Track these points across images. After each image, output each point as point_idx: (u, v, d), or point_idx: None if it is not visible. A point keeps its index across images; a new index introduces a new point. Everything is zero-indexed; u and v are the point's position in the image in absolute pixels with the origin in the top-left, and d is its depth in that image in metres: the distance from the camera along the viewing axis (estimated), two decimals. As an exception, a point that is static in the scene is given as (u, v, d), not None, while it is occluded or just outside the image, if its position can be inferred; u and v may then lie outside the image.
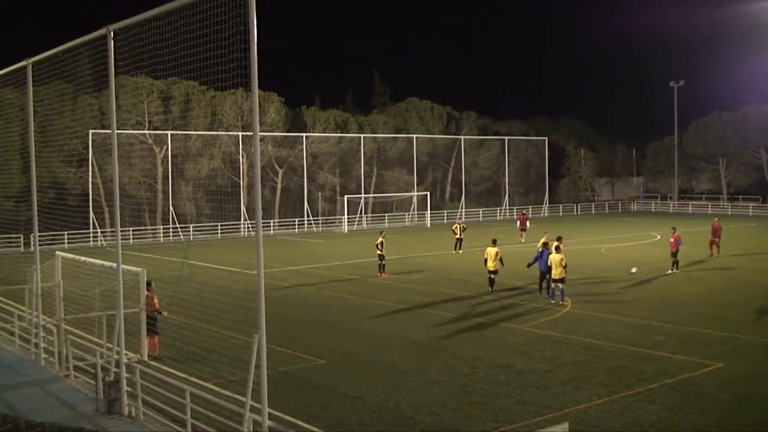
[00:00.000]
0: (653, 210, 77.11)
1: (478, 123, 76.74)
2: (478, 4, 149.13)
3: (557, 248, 24.63)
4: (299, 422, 13.32)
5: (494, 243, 27.74)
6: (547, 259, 25.09)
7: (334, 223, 61.03)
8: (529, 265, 26.56)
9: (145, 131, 54.57)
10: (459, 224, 41.33)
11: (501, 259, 27.20)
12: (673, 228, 32.67)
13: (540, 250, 26.48)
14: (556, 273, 24.20)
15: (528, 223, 46.43)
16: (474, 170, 72.41)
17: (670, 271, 30.79)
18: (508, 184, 72.24)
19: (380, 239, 32.06)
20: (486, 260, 27.31)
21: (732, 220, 55.93)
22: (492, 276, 27.13)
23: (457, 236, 40.28)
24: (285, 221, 60.10)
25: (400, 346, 19.13)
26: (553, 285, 24.50)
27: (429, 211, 62.90)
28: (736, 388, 15.13)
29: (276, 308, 23.15)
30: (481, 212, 68.90)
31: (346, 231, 56.76)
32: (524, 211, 50.77)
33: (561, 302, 23.98)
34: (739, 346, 18.68)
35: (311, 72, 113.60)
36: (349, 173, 65.78)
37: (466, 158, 70.27)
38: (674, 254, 31.17)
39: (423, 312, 23.78)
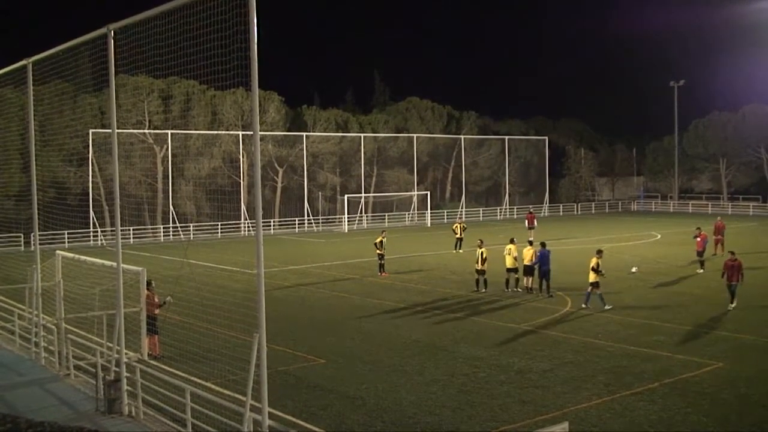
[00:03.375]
0: (653, 210, 77.09)
1: (479, 123, 76.81)
2: (478, 3, 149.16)
3: (598, 252, 23.95)
4: (299, 422, 13.33)
5: (481, 243, 27.91)
6: (547, 258, 25.57)
7: (335, 222, 61.04)
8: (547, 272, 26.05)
9: (146, 130, 54.56)
10: (459, 224, 41.34)
11: (485, 259, 27.23)
12: (698, 228, 32.92)
13: (539, 249, 26.52)
14: (591, 277, 23.30)
15: (535, 221, 46.67)
16: (474, 170, 72.44)
17: (701, 270, 31.09)
18: (509, 184, 72.23)
19: (380, 238, 32.07)
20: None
21: (732, 220, 55.88)
22: (481, 277, 27.29)
23: (458, 236, 40.29)
24: (285, 221, 60.10)
25: (400, 346, 19.13)
26: (589, 289, 23.46)
27: (429, 211, 62.90)
28: (736, 388, 15.13)
29: (276, 308, 23.17)
30: (481, 212, 68.90)
31: (346, 230, 56.76)
32: (531, 210, 51.08)
33: (603, 306, 22.95)
34: (739, 346, 18.68)
35: (311, 71, 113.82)
36: (350, 173, 65.79)
37: (467, 158, 70.29)
38: (701, 254, 31.48)
39: (423, 311, 23.78)
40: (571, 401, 14.45)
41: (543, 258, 25.79)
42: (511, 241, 27.93)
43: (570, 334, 20.05)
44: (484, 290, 26.96)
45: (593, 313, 22.78)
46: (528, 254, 26.63)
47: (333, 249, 43.67)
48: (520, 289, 26.79)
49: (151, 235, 52.72)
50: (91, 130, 49.61)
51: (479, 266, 27.21)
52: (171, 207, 53.76)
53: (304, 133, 61.04)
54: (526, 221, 46.53)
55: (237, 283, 29.53)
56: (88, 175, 50.61)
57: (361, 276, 31.88)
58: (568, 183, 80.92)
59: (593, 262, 23.48)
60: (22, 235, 43.67)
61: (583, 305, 23.40)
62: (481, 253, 27.23)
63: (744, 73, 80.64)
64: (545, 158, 74.38)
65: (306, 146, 60.38)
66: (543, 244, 26.49)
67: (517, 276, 27.09)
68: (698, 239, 31.82)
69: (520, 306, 24.37)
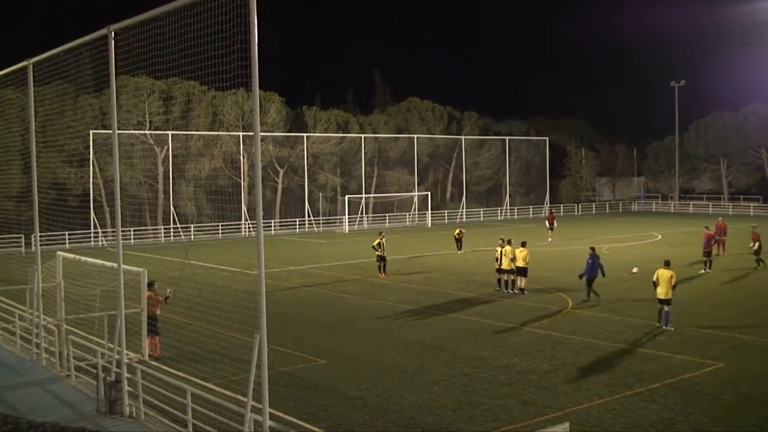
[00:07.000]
0: (654, 210, 77.10)
1: (479, 123, 76.81)
2: (479, 4, 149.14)
3: (667, 263, 21.05)
4: (300, 422, 13.33)
5: (503, 242, 27.71)
6: (594, 264, 24.48)
7: (335, 223, 61.03)
8: (581, 276, 24.99)
9: (146, 131, 54.59)
10: (459, 229, 41.45)
11: (513, 258, 26.93)
12: (706, 227, 32.99)
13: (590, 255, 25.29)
14: (662, 292, 20.57)
15: (555, 222, 47.16)
16: (475, 170, 72.46)
17: (702, 271, 31.15)
18: (509, 184, 72.23)
19: (378, 240, 32.05)
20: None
21: (733, 220, 55.84)
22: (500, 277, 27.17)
23: (457, 237, 40.28)
24: (286, 221, 60.11)
25: (401, 346, 19.12)
26: (660, 306, 20.76)
27: (430, 211, 62.92)
28: (737, 388, 15.13)
29: (277, 308, 23.17)
30: (482, 212, 68.91)
31: (347, 231, 56.76)
32: (552, 210, 51.50)
33: (665, 327, 20.44)
34: (740, 346, 18.68)
35: (312, 72, 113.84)
36: (350, 173, 65.80)
37: (467, 158, 70.32)
38: (707, 254, 31.61)
39: (424, 312, 23.77)
40: (572, 401, 14.44)
41: (591, 264, 24.59)
42: (508, 243, 27.66)
43: (571, 335, 20.04)
44: (512, 291, 26.75)
45: (593, 314, 22.78)
46: (521, 255, 26.58)
47: (334, 250, 43.67)
48: (517, 291, 26.71)
49: (151, 235, 52.74)
50: (91, 131, 49.64)
51: (505, 265, 26.84)
52: (172, 208, 53.78)
53: (305, 134, 61.05)
54: (547, 221, 46.96)
55: (238, 284, 29.54)
56: (89, 176, 50.65)
57: (362, 277, 31.87)
58: (568, 183, 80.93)
59: (669, 274, 20.69)
60: (22, 236, 43.65)
61: (664, 326, 20.49)
62: (505, 252, 26.92)
63: (745, 72, 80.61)
64: (546, 158, 74.37)
65: (306, 147, 60.39)
66: (593, 249, 25.32)
67: (513, 277, 27.00)
68: (704, 239, 31.95)
69: (521, 306, 24.35)
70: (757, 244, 32.45)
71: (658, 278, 20.81)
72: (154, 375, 14.23)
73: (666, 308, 20.60)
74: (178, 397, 13.08)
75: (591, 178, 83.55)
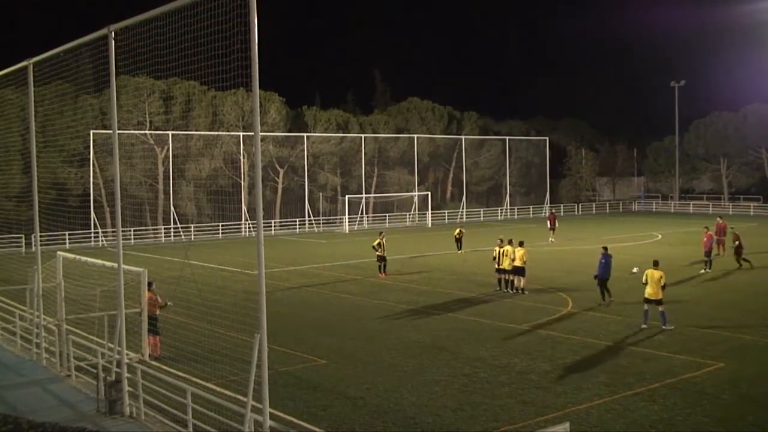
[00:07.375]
0: (654, 210, 77.11)
1: (479, 123, 76.83)
2: (479, 3, 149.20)
3: (655, 263, 21.01)
4: (300, 422, 13.33)
5: (501, 242, 27.65)
6: (607, 264, 24.31)
7: (335, 223, 61.03)
8: (596, 276, 24.64)
9: (146, 131, 54.60)
10: (459, 229, 41.46)
11: (514, 259, 26.89)
12: (706, 227, 33.06)
13: (602, 254, 25.10)
14: (651, 293, 20.51)
15: (556, 222, 47.21)
16: (475, 170, 72.47)
17: (702, 271, 31.14)
18: (509, 184, 72.22)
19: (378, 240, 32.05)
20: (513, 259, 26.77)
21: (733, 220, 55.86)
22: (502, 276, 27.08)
23: (457, 237, 40.28)
24: (286, 221, 60.11)
25: (401, 346, 19.12)
26: (646, 306, 20.69)
27: (430, 211, 62.93)
28: (737, 388, 15.13)
29: (277, 308, 23.17)
30: (482, 212, 68.91)
31: (347, 231, 56.76)
32: (554, 210, 51.56)
33: (664, 326, 20.36)
34: (740, 346, 18.68)
35: (312, 72, 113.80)
36: (350, 173, 65.80)
37: (467, 158, 70.33)
38: (707, 254, 31.70)
39: (424, 312, 23.77)
40: (572, 401, 14.45)
41: (604, 264, 24.33)
42: (509, 243, 27.63)
43: (571, 335, 20.04)
44: (511, 291, 26.74)
45: (593, 314, 22.79)
46: (518, 255, 26.56)
47: (334, 250, 43.66)
48: (512, 290, 26.70)
49: (152, 235, 52.74)
50: (91, 131, 49.65)
51: (505, 265, 26.73)
52: (172, 208, 53.78)
53: (305, 134, 61.05)
54: (548, 222, 47.03)
55: (238, 284, 29.54)
56: (89, 176, 50.66)
57: (362, 277, 31.87)
58: (568, 183, 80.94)
59: (659, 275, 20.56)
60: (23, 236, 43.67)
61: (663, 326, 20.31)
62: (506, 251, 26.82)
63: (745, 72, 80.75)
64: (546, 158, 74.35)
65: (307, 147, 60.39)
66: (605, 249, 25.10)
67: (512, 277, 26.97)
68: (704, 239, 32.02)
69: (520, 306, 24.36)
70: (737, 243, 32.51)
71: (647, 278, 20.80)
72: (154, 375, 14.24)
73: (660, 308, 20.57)
74: (178, 397, 13.08)
75: (591, 178, 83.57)
